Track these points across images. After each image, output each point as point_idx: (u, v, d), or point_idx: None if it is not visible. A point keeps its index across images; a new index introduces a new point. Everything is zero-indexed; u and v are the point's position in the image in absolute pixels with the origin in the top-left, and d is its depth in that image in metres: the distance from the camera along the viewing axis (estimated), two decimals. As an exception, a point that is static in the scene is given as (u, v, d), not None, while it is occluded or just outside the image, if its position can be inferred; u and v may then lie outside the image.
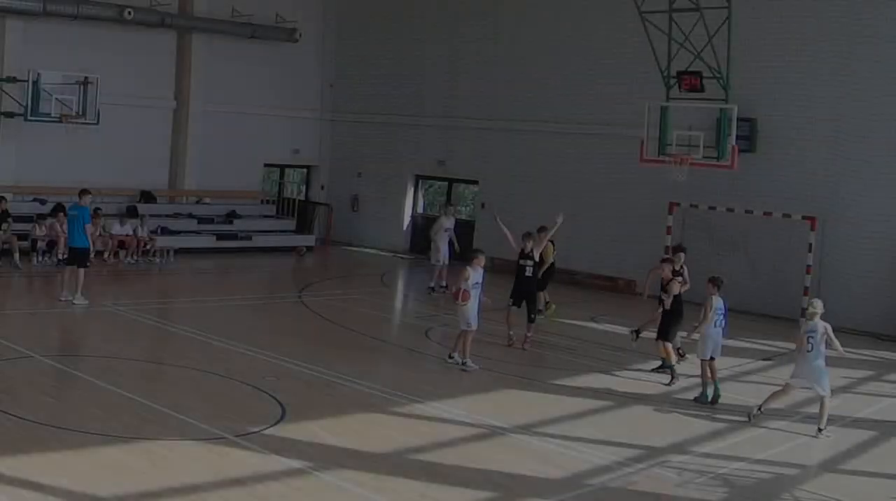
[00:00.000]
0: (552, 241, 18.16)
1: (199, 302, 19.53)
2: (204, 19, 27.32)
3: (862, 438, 12.67)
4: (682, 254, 16.30)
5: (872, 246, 20.45)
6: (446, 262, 21.94)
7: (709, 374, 13.69)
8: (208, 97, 27.83)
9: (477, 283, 14.69)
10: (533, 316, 16.44)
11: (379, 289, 22.93)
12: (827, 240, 21.13)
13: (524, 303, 16.34)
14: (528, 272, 16.27)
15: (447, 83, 28.26)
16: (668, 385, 14.50)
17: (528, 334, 16.34)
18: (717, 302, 13.71)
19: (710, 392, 13.67)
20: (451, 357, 14.88)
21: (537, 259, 16.46)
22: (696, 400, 13.72)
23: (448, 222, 22.35)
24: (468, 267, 14.73)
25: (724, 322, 13.87)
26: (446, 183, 29.45)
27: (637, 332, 16.29)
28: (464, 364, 14.65)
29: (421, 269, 23.50)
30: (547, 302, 19.76)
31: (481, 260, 14.82)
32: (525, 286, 16.34)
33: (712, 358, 13.65)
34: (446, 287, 21.94)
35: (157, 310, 18.70)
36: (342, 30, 30.83)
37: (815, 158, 21.38)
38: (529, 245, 16.27)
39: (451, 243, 22.05)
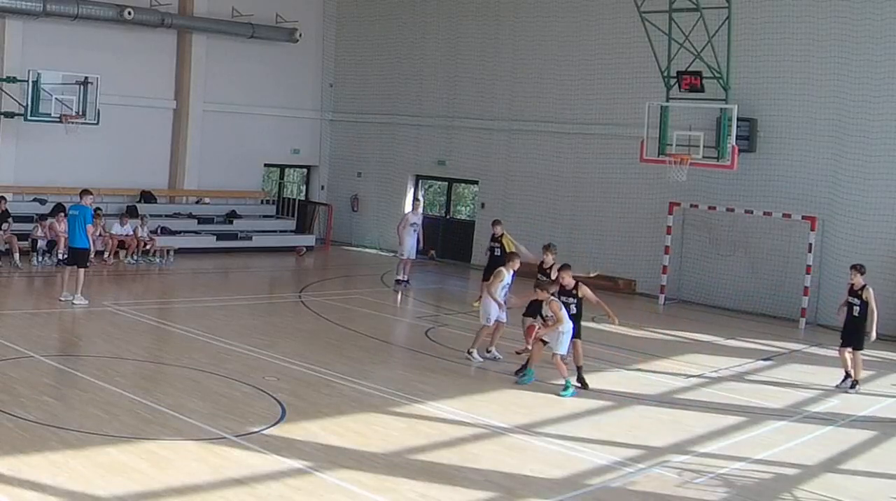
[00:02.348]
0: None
1: (199, 302, 19.51)
2: (204, 19, 27.33)
3: (862, 438, 12.67)
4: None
5: (872, 246, 20.42)
6: (412, 256, 22.63)
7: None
8: (208, 97, 27.84)
9: (507, 284, 15.14)
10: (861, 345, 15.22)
11: (379, 289, 22.92)
12: (827, 240, 21.14)
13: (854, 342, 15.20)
14: (857, 312, 15.04)
15: (447, 83, 28.26)
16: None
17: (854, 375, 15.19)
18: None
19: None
20: (488, 351, 15.33)
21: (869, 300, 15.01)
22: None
23: (414, 217, 22.86)
24: (503, 269, 15.12)
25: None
26: (446, 183, 29.46)
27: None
28: (469, 352, 15.15)
29: (421, 269, 23.51)
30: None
31: (516, 262, 15.20)
32: (855, 324, 15.09)
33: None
34: (407, 281, 22.57)
35: (157, 310, 18.70)
36: (342, 30, 30.84)
37: (815, 158, 21.37)
38: None
39: (418, 238, 22.53)
